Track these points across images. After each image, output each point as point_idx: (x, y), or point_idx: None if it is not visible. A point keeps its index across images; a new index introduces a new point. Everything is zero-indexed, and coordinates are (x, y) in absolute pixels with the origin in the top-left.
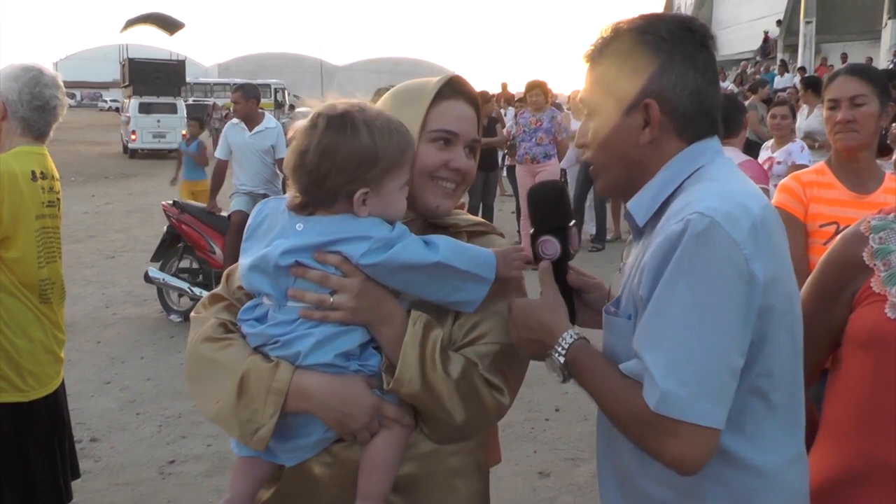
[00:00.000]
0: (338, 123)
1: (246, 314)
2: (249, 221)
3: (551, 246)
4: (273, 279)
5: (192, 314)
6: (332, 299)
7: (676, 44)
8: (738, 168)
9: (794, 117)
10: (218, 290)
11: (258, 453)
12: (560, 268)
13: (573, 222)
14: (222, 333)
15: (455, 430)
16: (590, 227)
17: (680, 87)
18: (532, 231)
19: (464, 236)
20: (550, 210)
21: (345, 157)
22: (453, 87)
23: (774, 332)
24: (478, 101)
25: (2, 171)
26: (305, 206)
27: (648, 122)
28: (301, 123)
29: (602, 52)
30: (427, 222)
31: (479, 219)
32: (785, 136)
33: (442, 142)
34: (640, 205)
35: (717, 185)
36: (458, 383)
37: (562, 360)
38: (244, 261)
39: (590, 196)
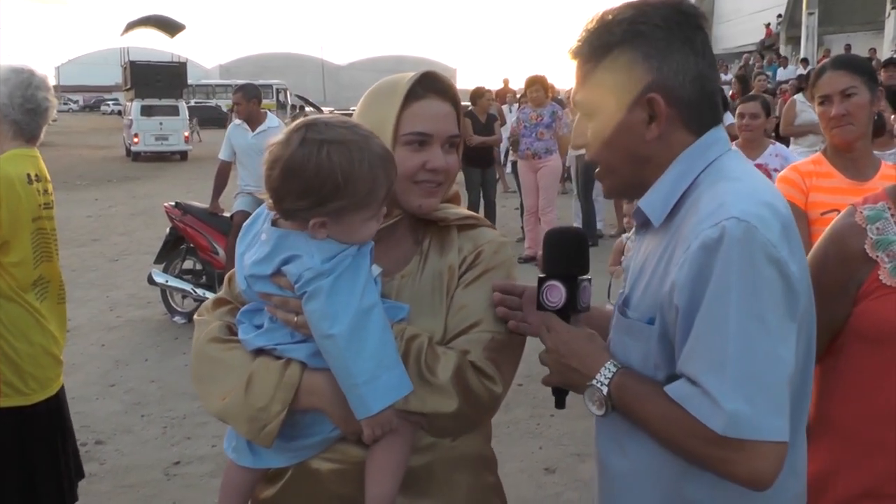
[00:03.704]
0: (309, 147)
1: (245, 317)
2: (247, 221)
3: (556, 293)
4: (254, 293)
5: (196, 317)
6: (294, 319)
7: (673, 29)
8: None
9: (769, 115)
10: (221, 293)
11: (254, 462)
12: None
13: (589, 277)
14: (228, 335)
15: (450, 424)
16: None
17: (682, 74)
18: (540, 275)
19: (454, 230)
20: (565, 254)
21: (304, 185)
22: (425, 85)
23: (800, 325)
24: (454, 95)
25: None
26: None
27: (654, 117)
28: (278, 136)
29: (592, 47)
30: (415, 218)
31: (469, 212)
32: (755, 138)
33: (416, 144)
34: (653, 202)
35: (741, 184)
36: (449, 382)
37: (605, 390)
38: (236, 265)
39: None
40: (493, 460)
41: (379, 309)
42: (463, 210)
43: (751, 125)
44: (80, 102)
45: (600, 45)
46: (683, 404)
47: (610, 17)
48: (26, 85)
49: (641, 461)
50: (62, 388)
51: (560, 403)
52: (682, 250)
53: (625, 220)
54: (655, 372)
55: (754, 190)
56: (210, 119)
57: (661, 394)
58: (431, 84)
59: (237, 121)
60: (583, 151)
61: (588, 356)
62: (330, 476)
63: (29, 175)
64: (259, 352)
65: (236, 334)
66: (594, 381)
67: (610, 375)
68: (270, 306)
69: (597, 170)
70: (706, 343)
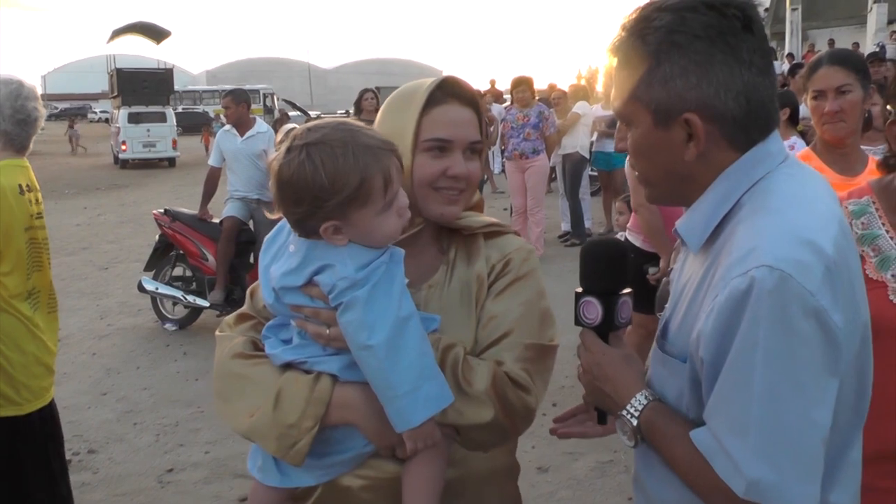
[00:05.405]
0: (292, 153)
1: (271, 332)
2: (269, 235)
3: (592, 309)
4: (283, 306)
5: (217, 332)
6: (327, 332)
7: (714, 40)
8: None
9: (784, 105)
10: (244, 308)
11: (282, 481)
12: (601, 336)
13: (629, 290)
14: (253, 350)
15: (483, 436)
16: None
17: (724, 89)
18: (577, 290)
19: (480, 238)
20: (601, 269)
21: (295, 191)
22: (446, 90)
23: (844, 377)
24: (476, 100)
25: None
26: None
27: (693, 137)
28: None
29: (626, 52)
30: (438, 226)
31: (492, 219)
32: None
33: (437, 150)
34: (691, 227)
35: (781, 218)
36: (485, 392)
37: (634, 422)
38: (261, 279)
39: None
40: (518, 469)
41: (416, 318)
42: (486, 217)
43: None
44: (63, 108)
45: (635, 53)
46: (707, 457)
47: (649, 18)
48: (15, 96)
49: (685, 493)
50: (53, 398)
51: (602, 419)
52: (711, 297)
53: (614, 217)
54: (687, 411)
55: (796, 225)
56: (197, 126)
57: (688, 439)
58: (452, 89)
59: (226, 126)
60: (569, 151)
61: (621, 383)
62: (362, 493)
63: (21, 185)
64: (287, 367)
65: (261, 350)
66: (624, 412)
67: (640, 408)
68: (300, 320)
69: (636, 174)
70: (729, 403)
